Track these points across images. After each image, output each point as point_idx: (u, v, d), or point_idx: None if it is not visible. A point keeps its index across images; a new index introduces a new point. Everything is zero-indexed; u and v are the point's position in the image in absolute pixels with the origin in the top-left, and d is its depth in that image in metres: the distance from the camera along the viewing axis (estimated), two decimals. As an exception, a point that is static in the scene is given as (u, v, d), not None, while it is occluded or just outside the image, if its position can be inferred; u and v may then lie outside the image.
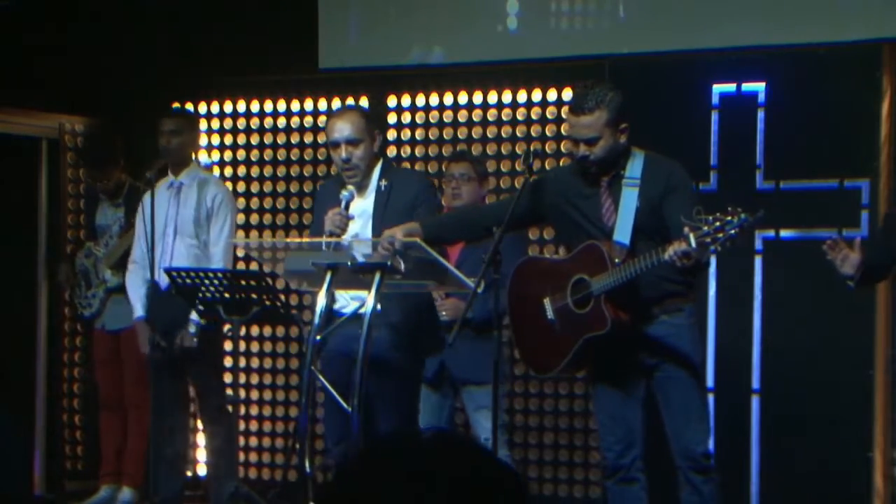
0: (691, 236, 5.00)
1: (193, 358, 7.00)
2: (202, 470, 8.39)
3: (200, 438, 8.32)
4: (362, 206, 5.94)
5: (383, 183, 5.94)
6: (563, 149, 7.82)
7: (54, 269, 8.30)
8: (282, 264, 6.00)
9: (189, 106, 8.59)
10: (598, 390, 5.63)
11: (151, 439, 7.16)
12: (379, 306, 5.64)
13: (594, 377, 5.67)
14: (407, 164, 7.94)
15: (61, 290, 8.38)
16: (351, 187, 5.86)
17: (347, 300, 5.92)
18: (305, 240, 6.05)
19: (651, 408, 5.59)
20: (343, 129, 5.92)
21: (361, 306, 5.68)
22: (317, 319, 5.62)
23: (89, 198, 8.38)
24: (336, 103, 8.31)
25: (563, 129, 5.48)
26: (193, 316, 6.90)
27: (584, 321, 5.43)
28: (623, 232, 5.38)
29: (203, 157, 8.65)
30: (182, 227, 7.10)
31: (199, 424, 8.02)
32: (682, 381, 5.47)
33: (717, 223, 4.99)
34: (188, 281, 6.65)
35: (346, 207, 5.79)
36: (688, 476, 5.52)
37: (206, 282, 6.63)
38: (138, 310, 7.14)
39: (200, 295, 6.64)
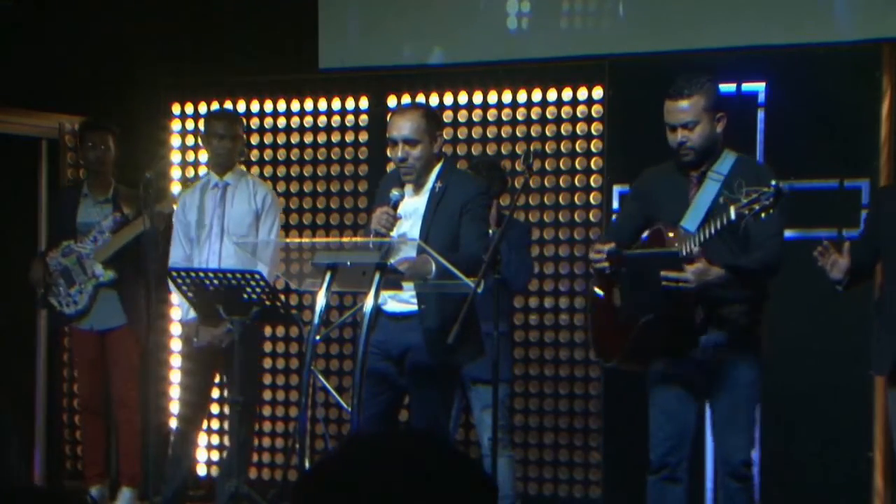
0: (731, 209, 5.11)
1: (233, 355, 6.99)
2: (202, 470, 8.39)
3: (201, 438, 8.32)
4: (414, 206, 5.83)
5: (438, 185, 5.81)
6: (562, 149, 7.82)
7: (31, 268, 8.14)
8: (282, 264, 5.98)
9: (189, 106, 8.60)
10: (656, 385, 5.62)
11: (174, 439, 7.22)
12: (417, 307, 5.65)
13: (653, 370, 5.64)
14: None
15: (34, 289, 8.23)
16: (399, 190, 5.73)
17: (386, 299, 5.84)
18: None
19: (701, 414, 5.60)
20: (402, 127, 5.79)
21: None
22: (317, 319, 5.61)
23: (62, 197, 8.24)
24: (336, 103, 8.32)
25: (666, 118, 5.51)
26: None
27: (637, 310, 5.43)
28: (693, 219, 5.41)
29: (203, 157, 8.66)
30: (230, 227, 7.08)
31: (203, 423, 8.02)
32: (736, 387, 5.47)
33: (754, 194, 5.08)
34: (188, 281, 6.65)
35: (395, 207, 5.71)
36: (725, 482, 5.55)
37: (207, 282, 6.64)
38: (190, 311, 7.08)
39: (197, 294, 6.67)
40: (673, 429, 5.56)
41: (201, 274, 6.67)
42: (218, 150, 7.17)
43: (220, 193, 7.14)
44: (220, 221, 7.11)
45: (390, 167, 8.16)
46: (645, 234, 5.57)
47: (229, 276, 6.63)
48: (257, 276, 6.54)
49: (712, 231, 5.21)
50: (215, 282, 6.61)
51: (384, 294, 5.75)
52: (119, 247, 7.61)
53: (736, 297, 5.45)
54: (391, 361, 5.75)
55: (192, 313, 7.04)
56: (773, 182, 5.08)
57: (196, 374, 7.23)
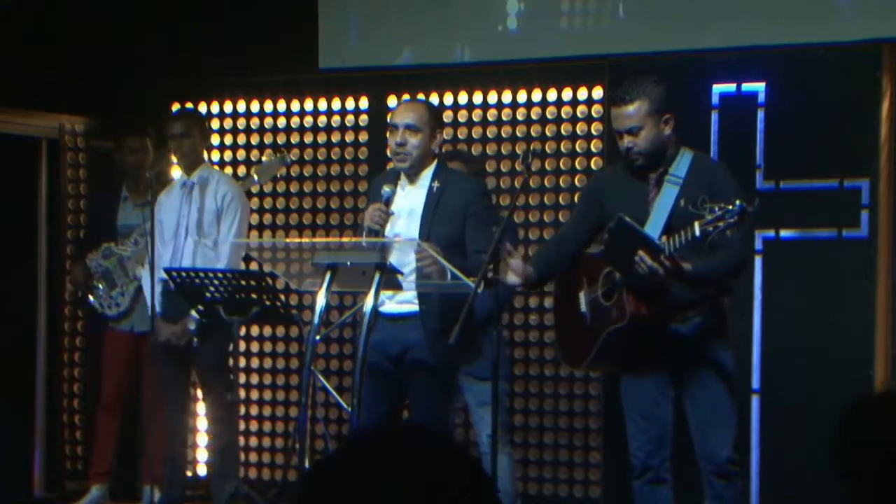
0: (696, 225, 5.10)
1: (198, 353, 7.00)
2: (202, 470, 8.39)
3: (200, 438, 8.33)
4: (409, 204, 5.83)
5: (436, 184, 5.81)
6: (562, 149, 7.82)
7: (70, 270, 8.26)
8: (282, 264, 5.98)
9: (189, 106, 8.60)
10: (629, 389, 5.60)
11: (168, 439, 7.22)
12: (417, 308, 5.65)
13: (624, 375, 5.64)
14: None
15: (76, 292, 8.33)
16: (390, 186, 5.75)
17: (383, 300, 5.83)
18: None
19: (677, 408, 5.59)
20: (406, 115, 5.83)
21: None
22: (317, 319, 5.61)
23: (101, 199, 8.32)
24: (336, 103, 8.33)
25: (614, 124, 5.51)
26: (192, 312, 6.92)
27: (608, 314, 5.44)
28: (654, 227, 5.40)
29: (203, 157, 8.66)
30: (192, 226, 7.10)
31: (198, 424, 8.03)
32: (709, 383, 5.47)
33: (719, 211, 5.08)
34: (188, 281, 6.66)
35: (388, 203, 5.72)
36: (710, 480, 5.53)
37: (206, 282, 6.64)
38: (156, 307, 7.13)
39: (206, 295, 6.67)
40: (653, 430, 5.55)
41: (201, 274, 6.68)
42: (181, 149, 7.21)
43: (187, 192, 7.16)
44: (185, 220, 7.12)
45: (390, 167, 8.19)
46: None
47: (229, 275, 6.63)
48: (257, 276, 6.55)
49: (677, 245, 5.22)
50: (215, 282, 6.62)
51: (382, 295, 5.76)
52: None
53: (703, 294, 5.46)
54: (390, 361, 5.76)
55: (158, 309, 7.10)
56: (738, 202, 5.08)
57: (165, 370, 7.21)
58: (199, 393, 7.62)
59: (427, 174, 5.85)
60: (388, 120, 6.04)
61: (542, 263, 5.76)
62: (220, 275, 6.65)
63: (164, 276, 6.95)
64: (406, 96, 8.12)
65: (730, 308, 5.72)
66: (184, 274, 6.71)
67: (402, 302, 5.73)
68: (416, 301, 5.75)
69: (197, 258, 7.04)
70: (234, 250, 7.05)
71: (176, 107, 8.61)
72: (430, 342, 5.69)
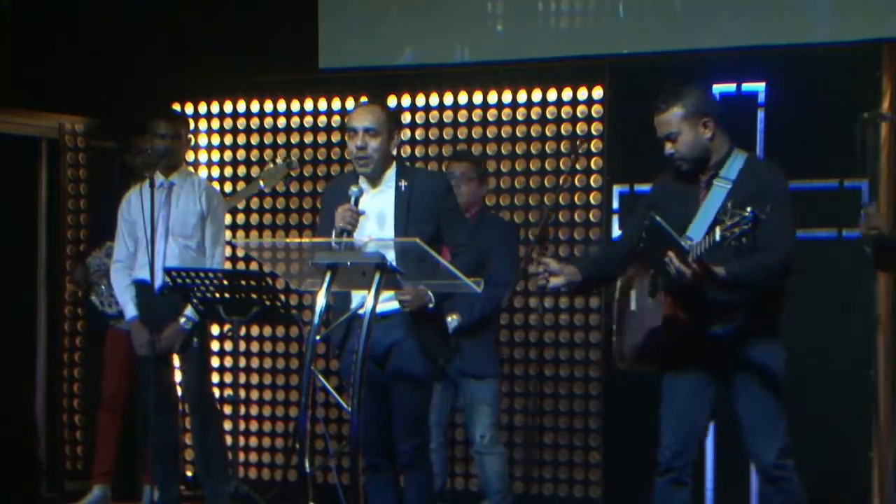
0: (717, 230, 5.13)
1: (186, 355, 6.99)
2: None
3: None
4: (377, 206, 5.84)
5: (403, 183, 5.84)
6: (562, 149, 7.82)
7: (70, 270, 8.27)
8: (282, 264, 5.97)
9: (189, 106, 8.60)
10: (668, 387, 5.60)
11: (152, 440, 7.18)
12: (399, 306, 5.66)
13: (666, 373, 5.64)
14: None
15: (78, 291, 8.33)
16: (357, 186, 5.78)
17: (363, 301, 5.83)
18: (316, 239, 5.96)
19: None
20: (363, 118, 5.84)
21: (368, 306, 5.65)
22: (316, 319, 5.61)
23: (104, 198, 8.33)
24: (336, 103, 8.33)
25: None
26: (189, 312, 6.90)
27: (650, 313, 5.47)
28: (697, 228, 5.41)
29: (203, 156, 8.67)
30: (175, 228, 7.06)
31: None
32: (752, 386, 5.45)
33: (736, 218, 5.10)
34: (188, 281, 6.65)
35: (356, 203, 5.73)
36: (761, 485, 5.54)
37: (206, 282, 6.64)
38: (130, 310, 7.10)
39: (200, 295, 6.66)
40: (683, 432, 5.56)
41: (202, 274, 6.67)
42: (165, 149, 7.11)
43: (165, 193, 7.11)
44: (164, 221, 7.08)
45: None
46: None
47: (229, 275, 6.63)
48: (257, 277, 6.55)
49: (703, 249, 5.22)
50: (215, 282, 6.62)
51: (359, 296, 5.77)
52: None
53: (742, 297, 5.43)
54: (375, 362, 5.75)
55: (131, 312, 7.07)
56: (750, 209, 5.09)
57: (152, 370, 7.17)
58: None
59: (390, 175, 5.88)
60: (346, 123, 6.06)
61: (590, 266, 5.76)
62: (219, 275, 6.65)
63: (141, 277, 6.92)
64: (406, 97, 8.14)
65: (782, 308, 5.62)
66: (183, 274, 6.71)
67: (384, 300, 5.73)
68: (398, 300, 5.75)
69: (185, 260, 6.99)
70: (222, 253, 7.05)
71: (176, 107, 8.62)
72: (414, 343, 5.72)
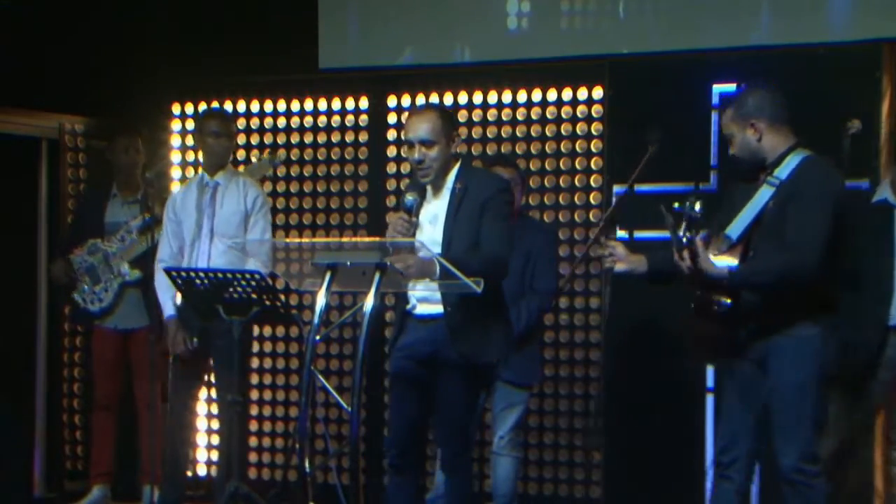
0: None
1: (222, 353, 6.96)
2: (202, 470, 8.40)
3: (200, 438, 8.33)
4: (435, 210, 5.80)
5: (458, 186, 5.77)
6: (562, 149, 7.82)
7: (50, 266, 8.27)
8: (282, 264, 5.97)
9: (189, 106, 8.60)
10: (722, 382, 5.69)
11: (167, 439, 7.20)
12: (442, 308, 5.65)
13: (717, 370, 5.70)
14: (407, 165, 7.93)
15: (57, 286, 8.30)
16: (413, 194, 5.67)
17: (415, 303, 5.81)
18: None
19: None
20: (419, 129, 5.74)
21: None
22: (317, 319, 5.61)
23: (89, 195, 8.37)
24: (336, 103, 8.33)
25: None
26: (170, 308, 6.95)
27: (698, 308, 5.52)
28: (737, 226, 5.47)
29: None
30: (220, 227, 7.08)
31: (197, 423, 8.03)
32: (778, 392, 5.45)
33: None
34: (187, 281, 6.66)
35: (410, 212, 5.64)
36: (782, 486, 5.55)
37: (207, 282, 6.64)
38: (169, 308, 7.11)
39: (199, 295, 6.67)
40: (728, 428, 5.60)
41: (201, 274, 6.67)
42: (213, 148, 7.17)
43: (210, 193, 7.13)
44: (209, 221, 7.10)
45: (390, 167, 8.19)
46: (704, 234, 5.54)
47: (220, 275, 6.62)
48: (249, 276, 6.54)
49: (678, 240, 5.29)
50: (206, 281, 6.61)
51: (413, 297, 5.75)
52: (146, 248, 7.62)
53: (767, 297, 5.43)
54: (420, 364, 5.74)
55: (170, 311, 7.10)
56: (676, 204, 5.15)
57: (180, 368, 7.18)
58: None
59: (450, 178, 5.82)
60: (403, 136, 5.97)
61: (659, 260, 5.69)
62: (219, 274, 6.64)
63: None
64: (406, 97, 8.13)
65: (831, 309, 5.55)
66: (183, 274, 6.71)
67: (432, 303, 5.73)
68: (442, 303, 5.73)
69: (229, 260, 6.98)
70: (271, 251, 7.00)
71: (176, 107, 8.63)
72: (454, 341, 5.66)
